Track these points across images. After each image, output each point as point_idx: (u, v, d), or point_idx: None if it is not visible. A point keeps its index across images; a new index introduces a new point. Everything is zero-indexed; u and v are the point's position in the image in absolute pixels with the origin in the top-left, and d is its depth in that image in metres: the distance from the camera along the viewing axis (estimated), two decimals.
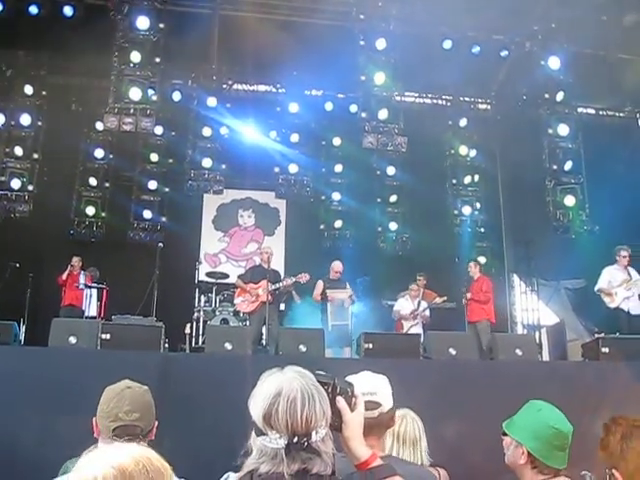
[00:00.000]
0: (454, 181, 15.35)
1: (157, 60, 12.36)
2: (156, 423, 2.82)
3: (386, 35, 12.48)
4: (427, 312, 11.77)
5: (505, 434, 2.93)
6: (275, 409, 1.86)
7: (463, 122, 15.05)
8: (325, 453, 1.89)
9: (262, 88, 14.97)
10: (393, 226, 14.94)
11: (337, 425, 2.06)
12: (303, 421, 1.85)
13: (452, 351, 8.45)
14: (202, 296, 12.64)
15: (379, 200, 15.22)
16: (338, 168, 15.19)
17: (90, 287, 12.15)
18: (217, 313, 12.05)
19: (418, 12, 12.46)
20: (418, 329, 11.41)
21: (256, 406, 1.90)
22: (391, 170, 14.72)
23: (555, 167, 13.01)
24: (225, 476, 2.79)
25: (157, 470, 1.48)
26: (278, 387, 1.89)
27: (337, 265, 11.48)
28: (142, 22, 11.90)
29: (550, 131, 13.01)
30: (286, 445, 1.84)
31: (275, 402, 1.86)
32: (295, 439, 1.84)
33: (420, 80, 13.76)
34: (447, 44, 12.94)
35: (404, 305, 11.93)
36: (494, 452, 3.13)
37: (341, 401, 2.08)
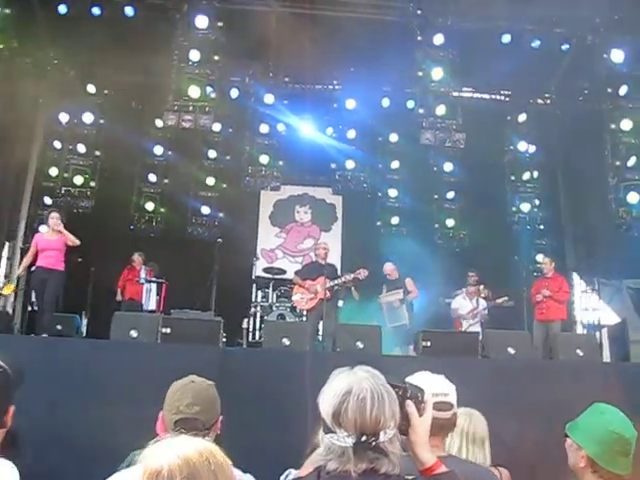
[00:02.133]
0: (513, 177, 15.11)
1: (216, 58, 12.49)
2: (220, 417, 2.85)
3: (443, 30, 12.36)
4: (486, 310, 11.65)
5: (567, 436, 2.89)
6: (345, 407, 1.86)
7: (522, 117, 14.80)
8: (392, 454, 1.89)
9: (319, 84, 14.97)
10: (450, 223, 14.80)
11: (404, 429, 2.07)
12: (372, 421, 1.86)
13: (511, 350, 8.37)
14: (259, 291, 12.75)
15: (436, 197, 15.08)
16: (395, 164, 15.10)
17: (150, 282, 12.35)
18: (274, 309, 12.13)
19: (476, 6, 12.29)
20: (477, 327, 11.29)
21: (326, 403, 1.91)
22: (448, 166, 14.58)
23: (618, 163, 12.67)
24: (286, 473, 2.81)
25: (219, 463, 1.52)
26: (348, 386, 1.90)
27: (385, 267, 11.53)
28: (201, 21, 12.02)
29: (613, 126, 12.67)
30: (354, 444, 1.84)
31: (345, 400, 1.87)
32: (363, 438, 1.84)
33: (478, 75, 13.58)
34: (506, 38, 12.72)
35: (462, 304, 11.84)
36: (554, 453, 3.10)
37: (411, 405, 2.09)
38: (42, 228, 10.20)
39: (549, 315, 11.16)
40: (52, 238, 9.66)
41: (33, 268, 9.82)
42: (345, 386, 1.90)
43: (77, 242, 9.74)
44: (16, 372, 2.16)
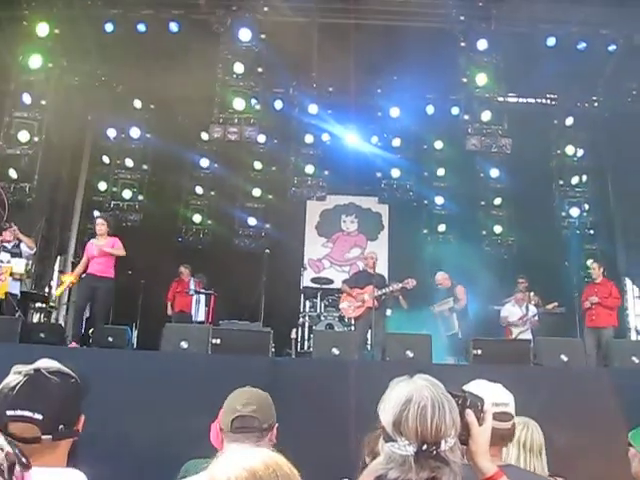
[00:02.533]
0: (561, 182, 14.86)
1: (259, 70, 12.60)
2: (277, 425, 2.86)
3: (487, 35, 12.25)
4: (536, 317, 11.48)
5: (630, 445, 2.82)
6: (405, 416, 1.85)
7: (569, 121, 14.56)
8: (454, 462, 1.87)
9: (362, 93, 14.95)
10: (498, 229, 14.62)
11: (464, 438, 2.04)
12: (433, 429, 1.84)
13: (564, 357, 8.23)
14: (307, 301, 12.78)
15: (483, 203, 14.92)
16: (440, 172, 15.03)
17: (199, 293, 12.45)
18: (322, 318, 12.15)
19: (519, 10, 12.18)
20: (527, 335, 11.12)
21: (386, 412, 1.90)
22: (495, 172, 14.43)
23: None
24: None
25: (286, 475, 1.49)
26: (409, 394, 1.89)
27: (437, 277, 11.53)
28: (244, 34, 12.12)
29: None
30: (415, 452, 1.83)
31: (405, 409, 1.86)
32: (424, 447, 1.82)
33: (523, 79, 13.42)
34: (551, 41, 12.56)
35: (512, 311, 11.68)
36: (614, 462, 3.03)
37: (471, 415, 2.06)
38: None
39: (599, 322, 10.89)
40: (100, 243, 9.68)
41: (83, 275, 9.93)
42: (405, 394, 1.89)
43: (120, 253, 9.77)
44: (82, 382, 2.19)
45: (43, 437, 1.96)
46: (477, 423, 2.07)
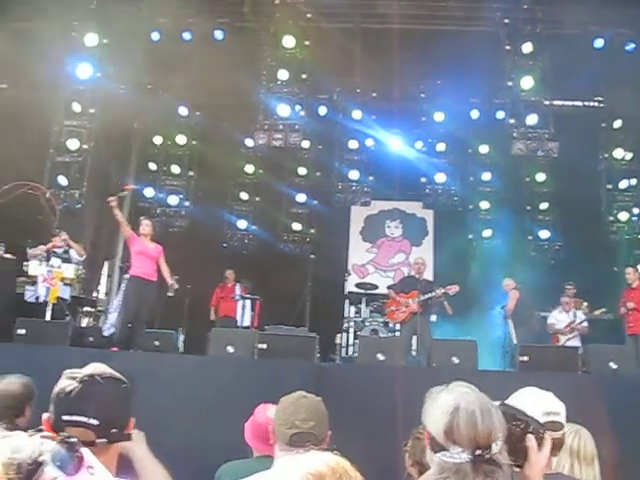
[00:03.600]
0: (609, 186, 14.58)
1: (303, 76, 12.66)
2: (329, 432, 2.87)
3: (532, 38, 12.16)
4: (585, 323, 11.29)
5: None
6: (456, 423, 1.85)
7: (617, 124, 14.29)
8: (505, 465, 1.86)
9: (406, 98, 14.90)
10: (544, 234, 14.39)
11: (520, 463, 2.04)
12: (485, 433, 1.84)
13: (613, 365, 8.08)
14: (352, 307, 12.77)
15: (529, 208, 14.69)
16: (486, 176, 14.89)
17: (245, 298, 12.53)
18: (367, 324, 12.12)
19: (566, 12, 12.06)
20: (576, 342, 10.95)
21: (435, 422, 1.90)
22: (541, 177, 14.21)
23: None
24: None
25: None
26: (455, 401, 1.89)
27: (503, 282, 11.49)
28: (288, 41, 12.33)
29: None
30: (470, 459, 1.82)
31: (455, 416, 1.86)
32: (477, 452, 1.82)
33: (570, 82, 13.26)
34: (599, 43, 12.43)
35: (559, 318, 11.46)
36: None
37: (532, 440, 2.06)
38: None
39: (636, 329, 10.59)
40: (150, 246, 9.48)
41: (127, 276, 9.90)
42: (452, 402, 1.89)
43: (164, 266, 9.52)
44: (129, 384, 2.25)
45: (98, 441, 2.00)
46: (537, 449, 2.06)
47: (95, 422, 2.01)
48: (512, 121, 12.46)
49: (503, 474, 1.85)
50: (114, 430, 2.05)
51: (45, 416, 2.07)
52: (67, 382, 2.08)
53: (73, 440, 1.15)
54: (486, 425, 1.85)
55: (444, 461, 1.86)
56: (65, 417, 2.02)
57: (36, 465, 1.01)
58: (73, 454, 1.09)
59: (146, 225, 9.56)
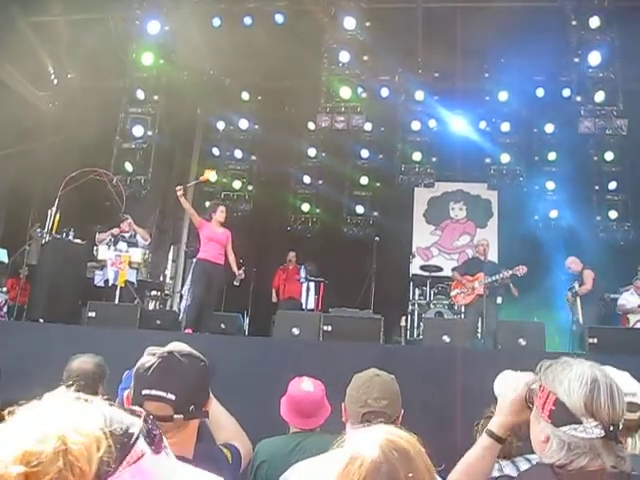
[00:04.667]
0: None
1: (365, 58, 12.58)
2: (402, 412, 2.85)
3: (600, 12, 11.79)
4: None
5: None
6: (596, 395, 1.76)
7: None
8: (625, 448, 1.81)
9: (469, 78, 14.66)
10: (613, 214, 13.96)
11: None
12: (620, 409, 1.78)
13: None
14: (416, 289, 12.71)
15: (597, 188, 14.25)
16: (552, 156, 14.56)
17: (309, 280, 12.60)
18: (431, 306, 12.06)
19: None
20: None
21: (571, 391, 1.79)
22: (609, 155, 13.78)
23: None
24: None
25: (428, 460, 1.44)
26: (592, 373, 1.81)
27: (566, 261, 11.35)
28: (349, 22, 12.12)
29: None
30: (603, 435, 1.74)
31: (595, 388, 1.78)
32: (611, 428, 1.74)
33: None
34: None
35: (629, 299, 11.21)
36: None
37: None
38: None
39: None
40: (218, 231, 9.53)
41: (195, 260, 10.02)
42: (589, 373, 1.81)
43: (231, 253, 9.60)
44: (210, 365, 2.29)
45: (175, 416, 2.05)
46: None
47: (172, 397, 2.05)
48: (579, 99, 12.15)
49: (627, 456, 1.78)
50: (191, 407, 2.09)
51: (126, 392, 2.13)
52: (147, 358, 2.14)
53: (153, 419, 1.17)
54: (622, 401, 1.79)
55: (573, 436, 1.76)
56: (144, 391, 2.08)
57: (128, 437, 1.03)
58: (158, 432, 1.11)
59: (222, 212, 9.65)
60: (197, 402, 2.13)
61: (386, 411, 2.70)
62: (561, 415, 1.79)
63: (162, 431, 1.16)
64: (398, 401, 2.84)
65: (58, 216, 10.38)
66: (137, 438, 1.04)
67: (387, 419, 2.65)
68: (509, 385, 2.11)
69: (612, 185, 13.98)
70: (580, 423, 1.75)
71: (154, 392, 2.06)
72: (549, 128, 14.47)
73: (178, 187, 9.46)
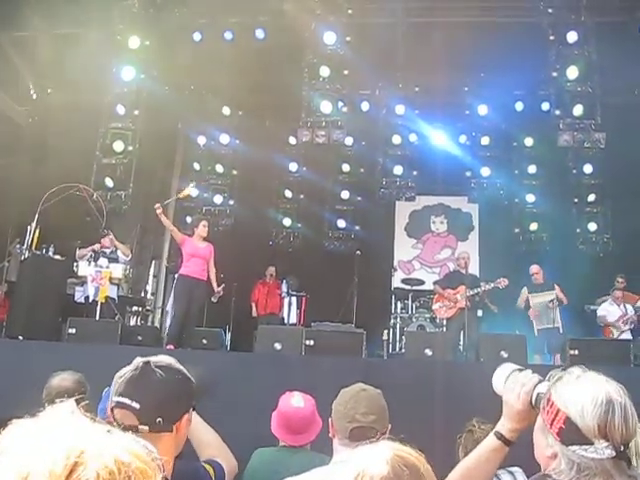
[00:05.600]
0: None
1: (345, 72, 12.62)
2: (389, 426, 2.83)
3: (577, 27, 11.93)
4: (636, 315, 11.07)
5: None
6: (611, 417, 1.70)
7: None
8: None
9: (449, 92, 14.75)
10: (592, 227, 14.10)
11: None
12: (632, 429, 1.72)
13: None
14: (398, 303, 12.73)
15: (576, 200, 14.39)
16: (531, 169, 14.69)
17: (291, 295, 12.58)
18: (414, 320, 12.08)
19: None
20: (627, 335, 10.75)
21: (584, 413, 1.72)
22: (588, 168, 13.91)
23: None
24: None
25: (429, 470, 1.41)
26: (607, 392, 1.74)
27: (532, 268, 11.21)
28: (329, 37, 12.16)
29: None
30: (613, 455, 1.68)
31: (610, 409, 1.71)
32: (622, 449, 1.69)
33: (616, 71, 13.01)
34: None
35: (610, 310, 11.26)
36: None
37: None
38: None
39: None
40: (201, 246, 9.51)
41: (176, 275, 9.95)
42: (604, 395, 1.74)
43: (213, 269, 9.61)
44: (202, 384, 2.26)
45: (140, 427, 2.01)
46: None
47: (137, 406, 2.03)
48: (557, 112, 12.26)
49: (639, 476, 1.74)
50: (159, 419, 2.05)
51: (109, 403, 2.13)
52: (127, 367, 2.13)
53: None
54: (635, 421, 1.73)
55: (584, 456, 1.71)
56: (114, 398, 2.08)
57: (159, 462, 1.01)
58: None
59: (204, 227, 9.63)
60: (166, 415, 2.08)
61: (374, 426, 2.69)
62: (571, 435, 1.73)
63: None
64: (385, 416, 2.82)
65: (38, 232, 10.31)
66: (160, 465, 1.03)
67: (375, 434, 2.63)
68: (512, 390, 2.05)
69: (591, 197, 14.13)
70: (591, 444, 1.69)
71: (120, 399, 2.05)
72: (529, 141, 14.62)
73: (157, 205, 9.43)
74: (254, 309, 12.89)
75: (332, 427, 2.81)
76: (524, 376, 2.06)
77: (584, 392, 1.75)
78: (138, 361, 2.14)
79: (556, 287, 11.00)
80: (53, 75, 13.86)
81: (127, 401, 2.04)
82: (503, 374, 2.14)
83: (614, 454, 1.67)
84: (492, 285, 10.34)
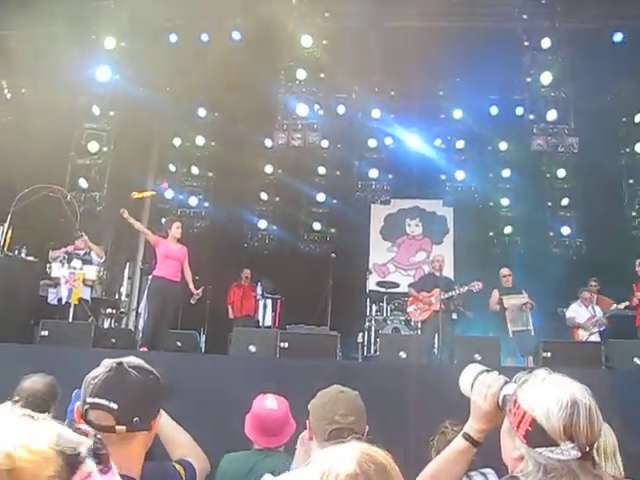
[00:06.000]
0: (631, 181, 14.44)
1: (321, 76, 12.66)
2: (367, 428, 2.83)
3: (551, 33, 12.09)
4: (604, 318, 11.15)
5: None
6: (576, 419, 1.72)
7: (638, 118, 14.15)
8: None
9: (425, 96, 14.81)
10: (566, 230, 14.27)
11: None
12: (598, 430, 1.75)
13: (637, 360, 8.04)
14: (373, 305, 12.77)
15: (550, 204, 14.54)
16: (506, 173, 14.83)
17: (266, 297, 12.57)
18: (388, 322, 12.12)
19: (584, 6, 11.99)
20: (595, 337, 10.84)
21: (550, 415, 1.74)
22: (562, 172, 14.08)
23: None
24: None
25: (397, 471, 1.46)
26: (571, 394, 1.76)
27: (503, 270, 11.26)
28: (306, 40, 12.27)
29: None
30: (579, 456, 1.72)
31: (575, 411, 1.73)
32: (587, 449, 1.72)
33: (590, 76, 13.15)
34: (618, 37, 12.30)
35: (578, 311, 11.32)
36: None
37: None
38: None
39: None
40: (175, 247, 9.48)
41: (150, 277, 9.89)
42: (568, 394, 1.76)
43: (188, 271, 9.57)
44: (167, 386, 2.26)
45: (117, 427, 2.02)
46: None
47: (115, 406, 2.03)
48: (531, 117, 12.41)
49: (604, 474, 1.78)
50: (136, 419, 2.06)
51: (77, 404, 2.11)
52: (98, 369, 2.13)
53: (102, 440, 1.15)
54: (600, 422, 1.77)
55: (550, 457, 1.73)
56: (88, 399, 2.06)
57: (76, 456, 1.02)
58: (105, 452, 1.09)
59: (177, 227, 9.61)
60: (142, 415, 2.09)
61: (353, 427, 2.68)
62: (537, 437, 1.75)
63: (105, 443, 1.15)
64: (364, 417, 2.81)
65: (10, 233, 10.21)
66: (85, 458, 1.03)
67: (354, 435, 2.63)
68: (479, 392, 2.07)
69: (564, 201, 14.29)
70: (557, 445, 1.72)
71: (97, 400, 2.04)
72: (503, 145, 14.77)
73: (122, 210, 9.41)
74: (230, 311, 12.86)
75: (310, 430, 2.81)
76: (490, 378, 2.08)
77: (549, 394, 1.78)
78: (110, 362, 2.13)
79: (524, 292, 11.07)
80: (27, 75, 13.73)
81: (104, 402, 2.03)
82: (470, 375, 2.15)
83: (580, 455, 1.71)
84: (466, 288, 10.39)
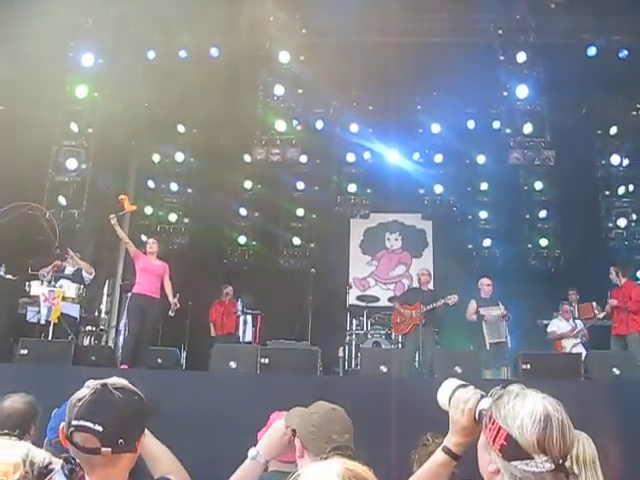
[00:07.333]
0: (607, 192, 14.59)
1: (299, 91, 12.72)
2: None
3: (526, 47, 12.25)
4: (584, 330, 11.26)
5: None
6: (549, 432, 1.78)
7: (613, 130, 14.35)
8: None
9: (403, 111, 14.89)
10: (544, 242, 14.36)
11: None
12: (571, 443, 1.80)
13: (616, 371, 8.10)
14: (353, 320, 12.78)
15: (528, 216, 14.66)
16: (484, 186, 14.93)
17: (246, 313, 12.55)
18: (369, 336, 12.13)
19: (558, 21, 12.14)
20: (579, 348, 10.91)
21: (524, 429, 1.80)
22: (539, 185, 14.19)
23: None
24: None
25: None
26: (545, 408, 1.82)
27: (484, 280, 11.28)
28: (284, 56, 12.34)
29: None
30: (552, 468, 1.76)
31: (548, 424, 1.79)
32: (560, 461, 1.77)
33: (565, 90, 13.30)
34: (592, 51, 12.46)
35: (560, 325, 11.40)
36: None
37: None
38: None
39: (620, 329, 10.38)
40: (155, 263, 9.53)
41: (130, 294, 9.82)
42: (541, 409, 1.82)
43: (169, 285, 9.57)
44: (152, 403, 2.26)
45: (102, 449, 2.02)
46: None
47: (100, 429, 2.03)
48: (508, 130, 12.56)
49: None
50: (120, 441, 2.06)
51: (62, 424, 2.10)
52: (82, 390, 2.12)
53: (75, 462, 1.16)
54: (572, 435, 1.82)
55: (525, 470, 1.78)
56: (73, 422, 2.06)
57: (47, 470, 1.03)
58: (80, 472, 1.11)
59: (152, 243, 9.70)
60: (127, 436, 2.09)
61: (349, 445, 2.68)
62: (512, 450, 1.80)
63: (91, 465, 1.16)
64: (352, 433, 2.81)
65: None
66: (55, 472, 1.05)
67: (350, 453, 2.61)
68: (457, 407, 2.10)
69: (542, 214, 14.41)
70: (531, 458, 1.77)
71: (82, 423, 2.03)
72: (480, 159, 14.86)
73: (111, 215, 9.40)
74: (212, 329, 12.81)
75: (302, 448, 2.80)
76: (467, 392, 2.11)
77: (523, 409, 1.83)
78: (94, 384, 2.13)
79: (499, 304, 11.10)
80: (4, 92, 13.66)
81: (89, 424, 2.03)
82: (448, 390, 2.18)
83: (553, 467, 1.75)
84: (442, 302, 10.37)
